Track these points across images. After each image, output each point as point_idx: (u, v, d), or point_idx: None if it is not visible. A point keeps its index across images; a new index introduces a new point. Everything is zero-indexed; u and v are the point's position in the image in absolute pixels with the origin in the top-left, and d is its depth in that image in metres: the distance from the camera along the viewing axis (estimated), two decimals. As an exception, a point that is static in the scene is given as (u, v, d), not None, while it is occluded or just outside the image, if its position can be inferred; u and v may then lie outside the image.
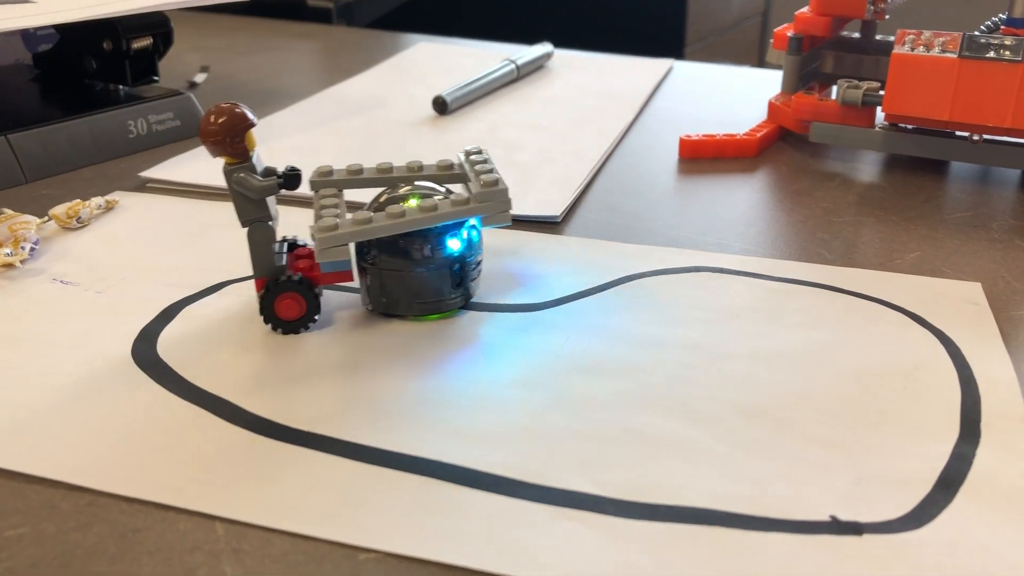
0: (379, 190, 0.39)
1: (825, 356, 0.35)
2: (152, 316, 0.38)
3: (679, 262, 0.43)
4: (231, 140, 0.34)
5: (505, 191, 0.37)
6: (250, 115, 0.35)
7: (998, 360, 0.35)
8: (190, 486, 0.28)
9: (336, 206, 0.37)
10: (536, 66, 0.79)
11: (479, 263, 0.39)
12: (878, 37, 0.66)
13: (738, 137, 0.59)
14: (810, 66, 0.64)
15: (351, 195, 0.46)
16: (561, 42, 0.86)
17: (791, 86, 0.62)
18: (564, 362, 0.35)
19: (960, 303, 0.39)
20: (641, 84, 0.75)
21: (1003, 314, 0.39)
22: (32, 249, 0.43)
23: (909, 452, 0.30)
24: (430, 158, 0.57)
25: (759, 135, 0.60)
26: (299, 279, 0.36)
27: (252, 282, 0.41)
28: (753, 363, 0.35)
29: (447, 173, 0.41)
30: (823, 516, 0.27)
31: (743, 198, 0.52)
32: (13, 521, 0.26)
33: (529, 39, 0.84)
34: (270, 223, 0.36)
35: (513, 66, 0.75)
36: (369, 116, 0.66)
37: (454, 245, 0.37)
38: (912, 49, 0.53)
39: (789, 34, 0.61)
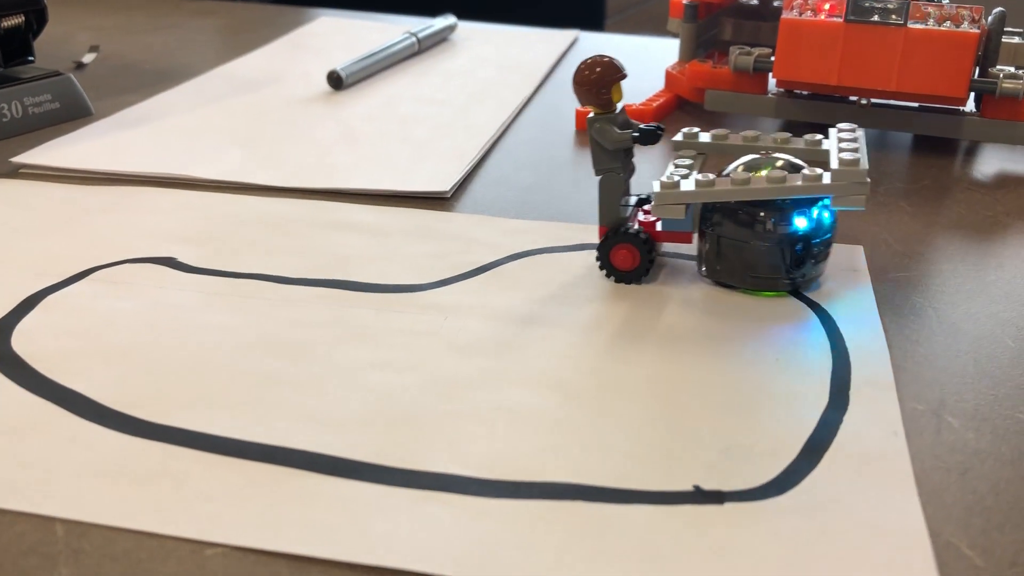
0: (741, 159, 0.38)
1: (704, 330, 0.35)
2: (9, 308, 0.36)
3: (567, 238, 0.43)
4: (599, 90, 0.36)
5: (863, 172, 0.35)
6: (621, 67, 0.37)
7: (870, 330, 0.35)
8: (31, 487, 0.26)
9: (689, 167, 0.38)
10: (439, 39, 0.78)
11: (827, 246, 0.37)
12: (776, 3, 0.66)
13: (634, 107, 0.59)
14: (708, 34, 0.64)
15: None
16: (476, 15, 0.84)
17: (688, 54, 0.62)
18: (439, 343, 0.34)
19: (839, 270, 0.39)
20: (544, 56, 0.75)
21: (882, 276, 0.39)
22: None
23: (779, 421, 0.30)
24: (322, 140, 0.56)
25: (655, 104, 0.59)
26: (636, 231, 0.38)
27: (123, 267, 0.40)
28: (631, 340, 0.34)
29: (815, 149, 0.39)
30: (687, 486, 0.26)
31: (637, 169, 0.52)
32: None
33: (443, 12, 0.82)
34: (621, 175, 0.38)
35: (414, 39, 0.74)
36: (261, 94, 0.64)
37: (800, 223, 0.36)
38: (800, 14, 0.53)
39: (685, 1, 0.61)
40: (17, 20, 0.58)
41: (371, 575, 0.24)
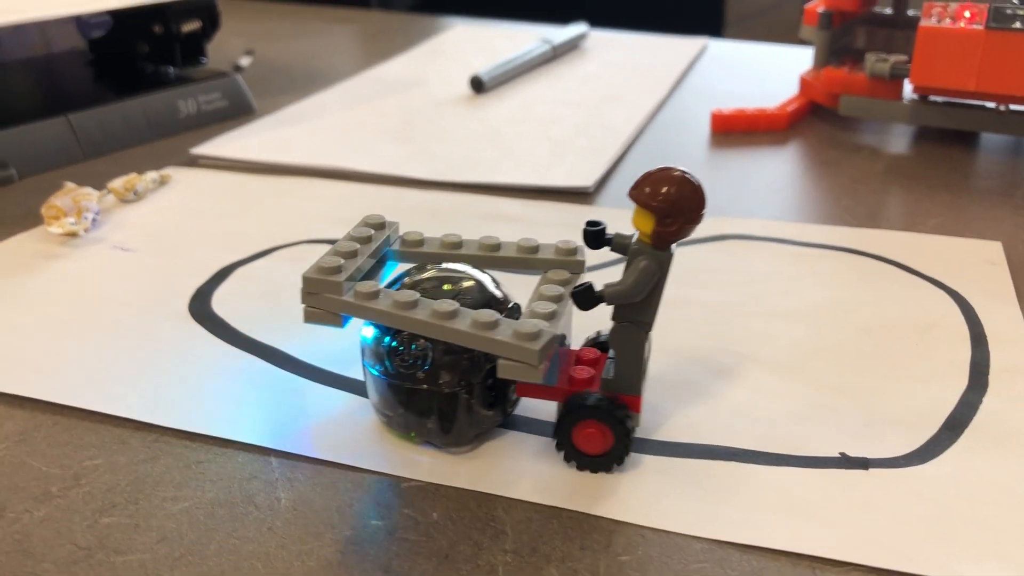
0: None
1: (841, 314, 0.37)
2: (207, 277, 0.40)
3: (707, 230, 0.45)
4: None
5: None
6: (640, 186, 0.27)
7: (1010, 318, 0.36)
8: (245, 423, 0.30)
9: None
10: (571, 46, 0.81)
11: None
12: (910, 12, 0.67)
13: (769, 111, 0.61)
14: (842, 41, 0.65)
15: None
16: (599, 22, 0.87)
17: (822, 61, 0.63)
18: (591, 320, 0.37)
19: (978, 262, 0.41)
20: (675, 62, 0.77)
21: (1021, 271, 0.40)
22: (93, 219, 0.46)
23: (918, 399, 0.31)
24: (467, 138, 0.59)
25: (790, 109, 0.61)
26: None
27: (301, 246, 0.44)
28: (772, 320, 0.37)
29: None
30: (833, 452, 0.28)
31: (772, 169, 0.54)
32: (90, 453, 0.29)
33: (567, 19, 0.86)
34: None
35: (549, 46, 0.77)
36: (407, 95, 0.68)
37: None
38: (939, 21, 0.54)
39: (819, 10, 0.62)
40: (194, 25, 0.64)
41: (540, 511, 0.26)
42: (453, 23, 0.94)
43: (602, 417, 0.27)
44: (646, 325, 0.28)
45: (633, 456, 0.28)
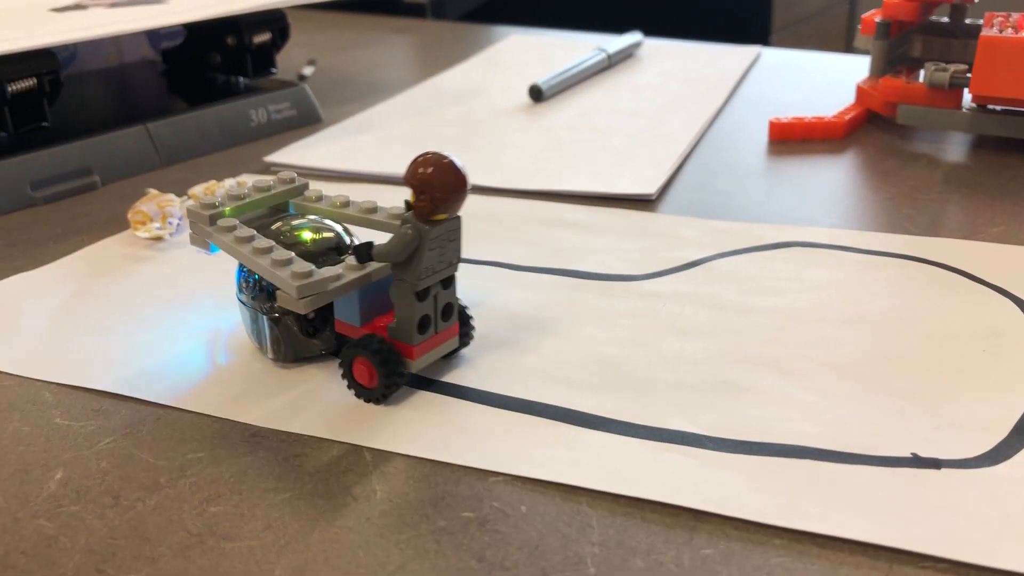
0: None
1: (908, 321, 0.38)
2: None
3: (769, 237, 0.46)
4: None
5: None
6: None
7: (1078, 324, 0.37)
8: (339, 422, 0.32)
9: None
10: (626, 55, 0.82)
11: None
12: (967, 21, 0.67)
13: (826, 119, 0.61)
14: (898, 51, 0.65)
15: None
16: (646, 30, 0.89)
17: (879, 70, 0.64)
18: (661, 325, 0.38)
19: (1042, 272, 0.41)
20: (729, 70, 0.78)
21: (1085, 283, 0.41)
22: (178, 224, 0.48)
23: (987, 403, 0.32)
24: (529, 146, 0.61)
25: (847, 117, 0.62)
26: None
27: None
28: (840, 327, 0.37)
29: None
30: (904, 453, 0.29)
31: (831, 177, 0.55)
32: (192, 446, 0.31)
33: (616, 28, 0.87)
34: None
35: (604, 55, 0.78)
36: (468, 105, 0.70)
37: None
38: (1000, 31, 0.54)
39: (877, 19, 0.63)
40: (265, 37, 0.66)
41: (623, 505, 0.28)
42: (507, 32, 0.96)
43: (367, 355, 0.32)
44: (412, 285, 0.31)
45: (703, 452, 0.30)
